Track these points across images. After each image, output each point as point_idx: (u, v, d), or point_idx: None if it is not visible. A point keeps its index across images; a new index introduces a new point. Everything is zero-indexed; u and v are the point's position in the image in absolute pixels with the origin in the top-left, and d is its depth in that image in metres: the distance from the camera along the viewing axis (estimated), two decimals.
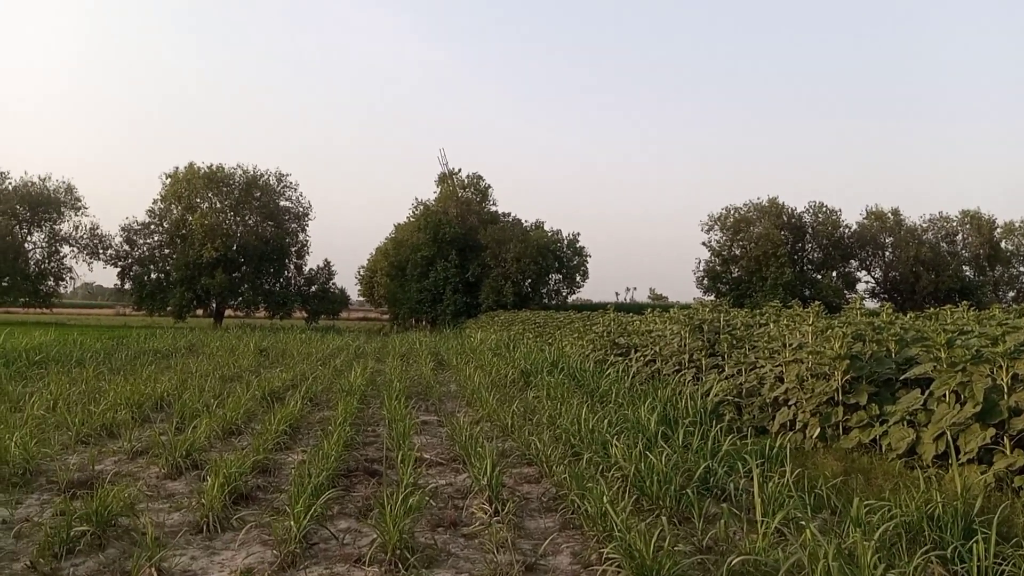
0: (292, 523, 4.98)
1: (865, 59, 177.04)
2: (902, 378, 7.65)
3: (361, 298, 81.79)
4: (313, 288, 59.36)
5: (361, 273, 75.79)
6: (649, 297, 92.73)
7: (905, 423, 7.13)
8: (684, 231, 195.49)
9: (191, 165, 55.93)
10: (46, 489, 6.34)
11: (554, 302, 55.01)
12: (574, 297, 60.78)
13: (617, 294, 72.14)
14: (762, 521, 4.86)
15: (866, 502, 5.15)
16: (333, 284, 60.65)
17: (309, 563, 4.75)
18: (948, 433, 6.30)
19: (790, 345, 9.06)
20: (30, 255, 55.31)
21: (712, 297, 58.45)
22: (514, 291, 51.37)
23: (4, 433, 7.44)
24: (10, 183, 54.80)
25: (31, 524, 5.31)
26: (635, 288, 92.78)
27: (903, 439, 6.94)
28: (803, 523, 4.67)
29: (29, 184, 55.11)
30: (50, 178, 55.98)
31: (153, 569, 4.43)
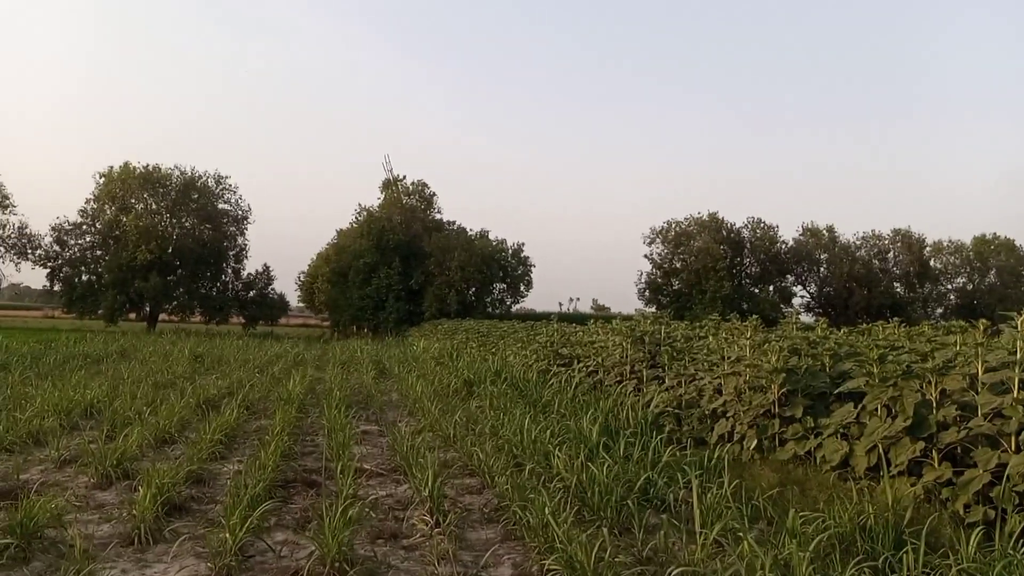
0: (227, 535, 4.86)
1: (805, 75, 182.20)
2: (836, 392, 7.84)
3: (301, 304, 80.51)
4: (251, 293, 58.28)
5: (301, 279, 74.61)
6: (592, 308, 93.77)
7: (839, 436, 7.31)
8: (627, 243, 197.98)
9: (126, 164, 54.47)
10: None
11: (498, 311, 55.03)
12: (518, 307, 61.01)
13: (561, 304, 72.73)
14: (701, 532, 4.92)
15: (801, 513, 5.26)
16: (272, 289, 59.67)
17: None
18: (880, 446, 6.48)
19: (729, 358, 9.22)
20: None
21: (653, 309, 59.29)
22: (458, 300, 51.27)
23: None
24: None
25: None
26: (578, 299, 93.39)
27: (837, 451, 7.12)
28: (741, 534, 4.73)
29: None
30: None
31: None
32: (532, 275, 57.28)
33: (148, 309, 54.45)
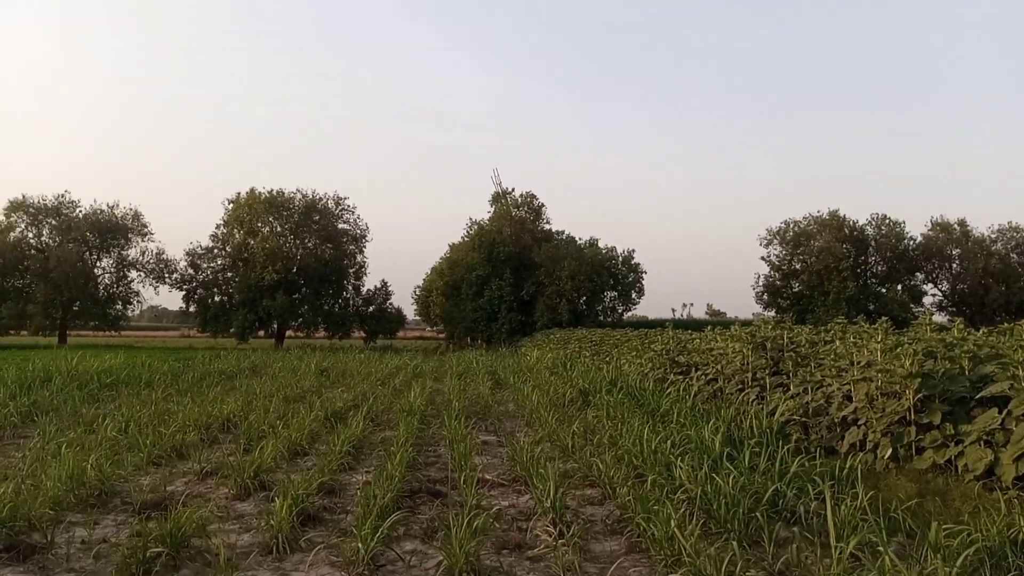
0: (360, 545, 5.03)
1: (929, 61, 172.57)
2: (977, 397, 7.38)
3: (417, 317, 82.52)
4: (371, 308, 60.23)
5: (417, 293, 76.55)
6: (707, 313, 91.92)
7: (982, 443, 6.88)
8: (741, 245, 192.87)
9: (252, 191, 57.57)
10: (121, 510, 6.52)
11: (609, 319, 54.74)
12: (630, 314, 60.46)
13: (673, 310, 71.73)
14: (836, 546, 4.72)
15: (945, 526, 4.97)
16: (390, 304, 61.52)
17: None
18: None
19: (858, 363, 8.82)
20: (99, 280, 57.42)
21: (772, 312, 57.55)
22: (569, 309, 51.28)
23: (80, 455, 7.68)
24: (80, 211, 57.10)
25: (109, 545, 5.46)
26: (692, 304, 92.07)
27: (980, 460, 6.70)
28: (880, 548, 4.52)
29: (98, 212, 57.33)
30: (118, 205, 58.35)
31: None
32: (643, 282, 56.74)
33: (276, 326, 57.17)
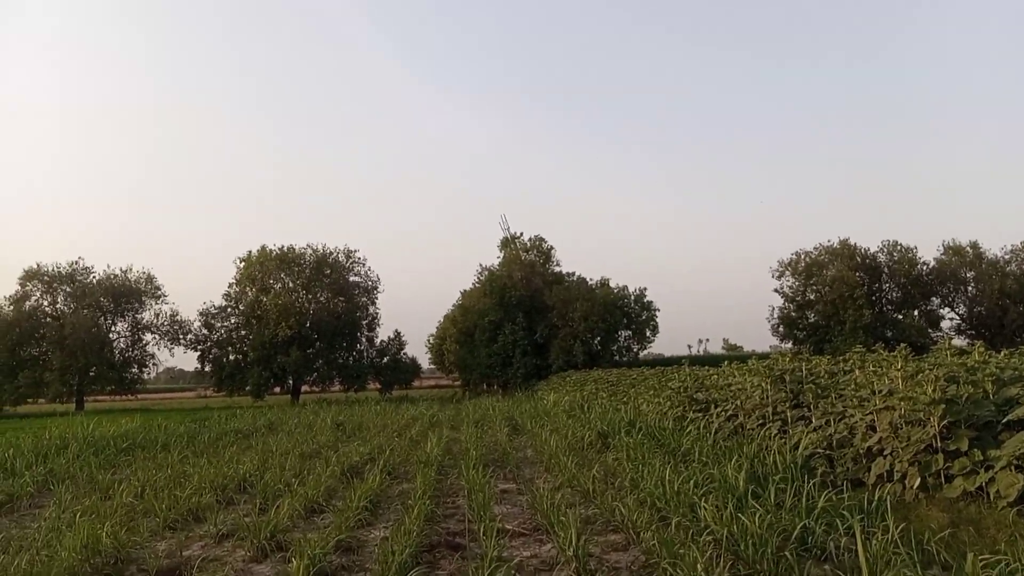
0: None
1: (923, 82, 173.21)
2: (1004, 420, 7.22)
3: (432, 366, 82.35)
4: (385, 359, 60.15)
5: (431, 341, 76.43)
6: (723, 348, 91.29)
7: (1012, 468, 6.70)
8: (755, 278, 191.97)
9: (263, 248, 58.05)
10: None
11: (625, 359, 54.37)
12: (645, 352, 60.06)
13: (690, 347, 71.23)
14: None
15: (981, 556, 4.81)
16: (404, 354, 61.40)
17: None
18: None
19: (880, 392, 8.67)
20: (115, 344, 57.61)
21: (789, 344, 57.13)
22: (584, 350, 51.00)
23: (95, 523, 7.59)
24: (94, 277, 57.65)
25: None
26: (708, 339, 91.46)
27: (1012, 485, 6.52)
28: None
29: (112, 276, 57.82)
30: (131, 269, 58.78)
31: None
32: (657, 319, 56.37)
33: (291, 382, 57.10)
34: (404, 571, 5.59)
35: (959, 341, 54.34)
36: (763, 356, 14.81)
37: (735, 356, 27.35)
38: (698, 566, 4.97)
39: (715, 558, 5.43)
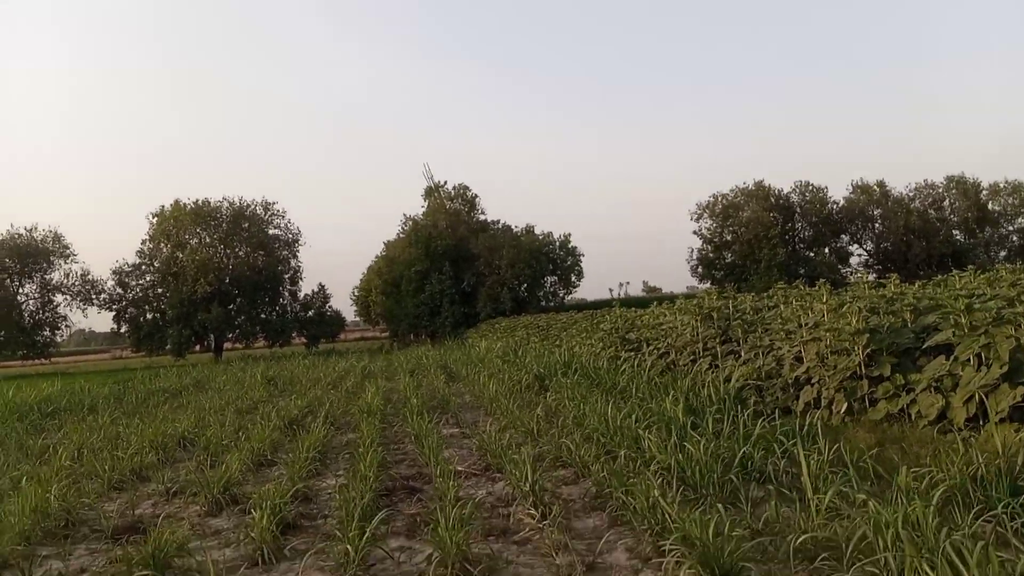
0: (348, 546, 5.01)
1: (840, 28, 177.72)
2: (923, 347, 7.73)
3: (357, 318, 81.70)
4: (310, 313, 59.26)
5: (356, 293, 75.73)
6: (643, 290, 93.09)
7: (932, 390, 7.22)
8: (670, 222, 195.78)
9: (177, 202, 55.93)
10: (92, 538, 6.34)
11: (552, 304, 55.07)
12: (570, 298, 60.91)
13: (611, 290, 72.20)
14: (813, 498, 4.91)
15: (911, 469, 5.22)
16: (329, 307, 60.59)
17: None
18: (978, 395, 6.38)
19: (806, 324, 9.13)
20: (23, 307, 55.04)
21: (708, 284, 58.77)
22: (511, 297, 51.42)
23: (38, 487, 7.40)
24: None
25: (89, 575, 5.31)
26: (628, 283, 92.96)
27: (933, 405, 7.03)
28: (857, 496, 4.73)
29: (16, 236, 54.86)
30: (36, 228, 55.81)
31: None
32: (581, 264, 57.12)
33: (213, 339, 55.81)
34: (366, 515, 5.69)
35: (869, 275, 56.96)
36: (689, 296, 15.33)
37: (660, 297, 28.09)
38: (654, 491, 5.24)
39: (666, 484, 5.72)
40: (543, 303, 54.59)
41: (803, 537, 4.38)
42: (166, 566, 5.15)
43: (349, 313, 73.48)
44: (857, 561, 4.10)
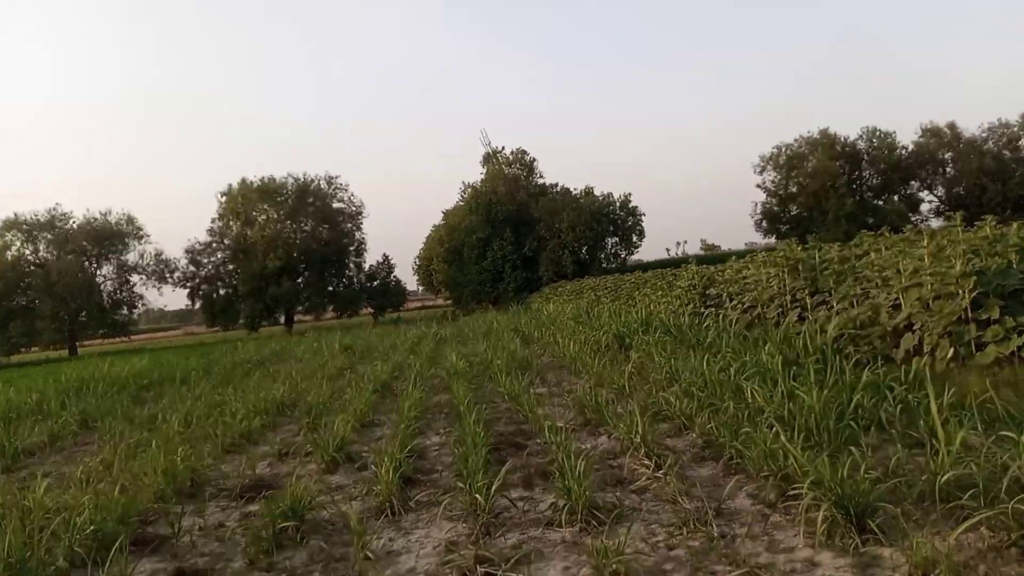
0: (478, 496, 5.16)
1: None
2: None
3: (419, 287, 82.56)
4: (375, 283, 60.26)
5: (417, 263, 76.46)
6: (701, 249, 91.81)
7: None
8: (728, 178, 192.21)
9: (243, 180, 57.29)
10: (220, 497, 6.66)
11: (613, 265, 54.75)
12: (633, 259, 60.47)
13: (668, 250, 71.62)
14: (943, 440, 4.86)
15: None
16: (394, 277, 61.54)
17: (503, 531, 4.93)
18: None
19: (905, 270, 8.92)
20: (102, 288, 57.29)
21: (773, 238, 57.69)
22: (573, 260, 51.27)
23: (159, 452, 7.70)
24: (74, 222, 56.80)
25: (227, 529, 5.59)
26: (686, 242, 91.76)
27: None
28: (992, 437, 4.68)
29: (92, 220, 57.04)
30: (111, 212, 57.89)
31: (362, 552, 4.68)
32: (643, 224, 56.52)
33: (284, 312, 57.25)
34: (485, 467, 5.84)
35: (937, 223, 55.15)
36: (742, 254, 15.08)
37: (716, 256, 27.64)
38: (781, 437, 5.25)
39: (785, 433, 5.71)
40: (604, 265, 54.30)
41: (947, 476, 4.34)
42: (302, 519, 5.39)
43: (411, 282, 74.44)
44: (999, 501, 4.04)
